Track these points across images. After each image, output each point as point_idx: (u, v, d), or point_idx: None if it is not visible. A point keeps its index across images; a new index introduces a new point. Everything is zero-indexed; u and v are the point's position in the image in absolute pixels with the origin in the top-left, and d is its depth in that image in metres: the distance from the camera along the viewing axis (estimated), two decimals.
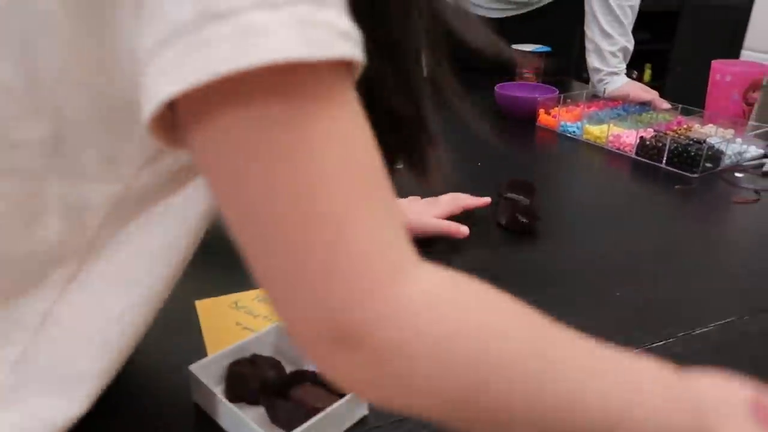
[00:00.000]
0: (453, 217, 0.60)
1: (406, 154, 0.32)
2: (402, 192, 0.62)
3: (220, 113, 0.22)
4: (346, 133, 0.24)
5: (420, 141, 0.31)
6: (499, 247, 0.60)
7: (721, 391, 0.31)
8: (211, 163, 0.24)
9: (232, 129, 0.22)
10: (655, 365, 0.29)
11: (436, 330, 0.24)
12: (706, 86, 0.95)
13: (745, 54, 3.41)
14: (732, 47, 3.15)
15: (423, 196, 0.63)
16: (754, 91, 0.90)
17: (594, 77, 1.08)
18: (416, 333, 0.23)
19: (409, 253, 0.25)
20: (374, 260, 0.23)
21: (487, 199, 0.63)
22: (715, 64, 0.91)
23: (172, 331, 0.42)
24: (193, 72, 0.21)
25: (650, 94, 1.03)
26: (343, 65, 0.23)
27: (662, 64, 2.87)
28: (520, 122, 0.97)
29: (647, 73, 2.88)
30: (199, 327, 0.46)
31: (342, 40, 0.22)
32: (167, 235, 0.32)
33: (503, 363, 0.25)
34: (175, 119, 0.24)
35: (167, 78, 0.21)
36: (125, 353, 0.33)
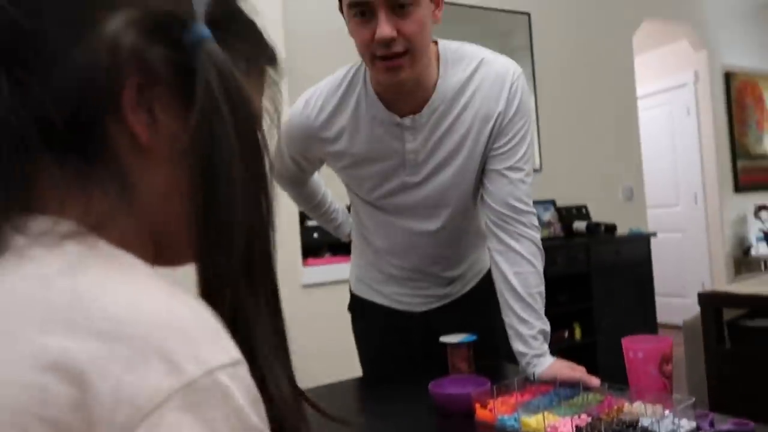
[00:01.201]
0: None
1: None
2: None
3: None
4: None
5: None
6: None
7: None
8: None
9: None
10: None
11: None
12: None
13: (660, 301, 3.71)
14: (646, 297, 3.44)
15: None
16: (667, 364, 0.95)
17: (521, 361, 1.12)
18: None
19: None
20: None
21: None
22: (626, 342, 0.98)
23: None
24: None
25: (578, 372, 1.07)
26: None
27: (588, 320, 3.06)
28: (459, 418, 0.96)
29: (578, 331, 3.04)
30: None
31: None
32: None
33: None
34: None
35: None
36: None
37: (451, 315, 1.27)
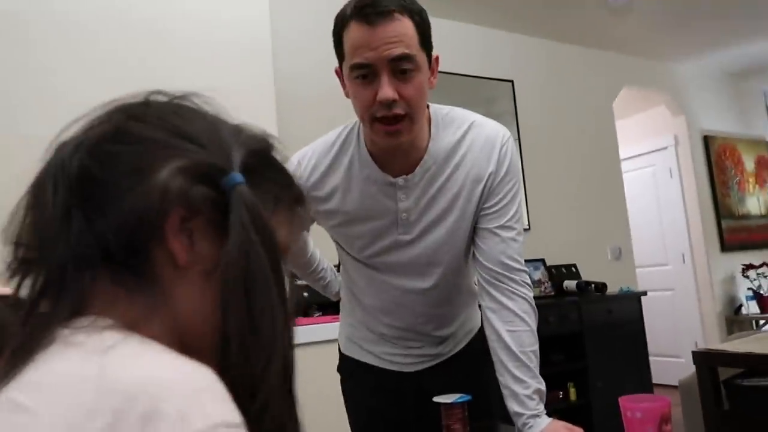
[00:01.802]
0: None
1: None
2: None
3: None
4: None
5: None
6: None
7: None
8: None
9: None
10: None
11: None
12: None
13: (654, 361, 3.66)
14: (639, 356, 3.40)
15: None
16: (666, 424, 0.93)
17: (517, 422, 1.09)
18: None
19: None
20: None
21: None
22: (623, 401, 0.96)
23: None
24: None
25: None
26: None
27: (583, 381, 3.00)
28: None
29: (572, 392, 2.97)
30: None
31: None
32: None
33: None
34: None
35: None
36: None
37: (442, 375, 1.25)
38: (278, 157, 0.53)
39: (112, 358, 0.39)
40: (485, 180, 1.12)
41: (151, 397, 0.36)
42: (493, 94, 3.64)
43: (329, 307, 2.40)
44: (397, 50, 0.97)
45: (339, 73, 1.08)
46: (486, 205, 1.14)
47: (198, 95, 0.52)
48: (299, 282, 2.48)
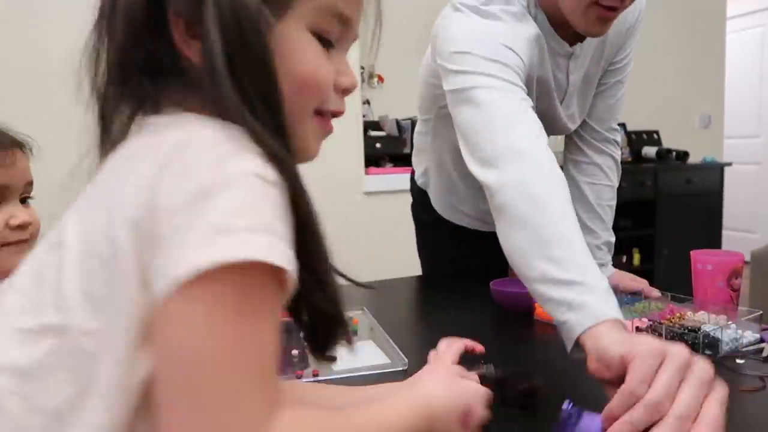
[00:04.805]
0: None
1: (327, 341, 0.47)
2: None
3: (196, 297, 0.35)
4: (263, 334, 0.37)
5: (337, 332, 0.47)
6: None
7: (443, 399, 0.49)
8: (164, 337, 0.36)
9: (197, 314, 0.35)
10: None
11: None
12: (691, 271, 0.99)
13: (726, 234, 3.58)
14: (712, 228, 3.33)
15: None
16: (736, 278, 0.94)
17: None
18: None
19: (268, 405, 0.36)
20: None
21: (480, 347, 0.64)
22: (694, 254, 0.97)
23: None
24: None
25: (639, 284, 1.07)
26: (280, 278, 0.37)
27: (649, 247, 3.00)
28: (518, 316, 0.99)
29: (636, 258, 2.99)
30: None
31: (285, 260, 0.36)
32: None
33: None
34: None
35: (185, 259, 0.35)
36: None
37: None
38: None
39: (172, 129, 0.42)
40: (626, 32, 1.05)
41: (196, 148, 0.39)
42: None
43: (400, 160, 2.44)
44: None
45: None
46: (616, 59, 1.08)
47: None
48: (373, 133, 2.52)
